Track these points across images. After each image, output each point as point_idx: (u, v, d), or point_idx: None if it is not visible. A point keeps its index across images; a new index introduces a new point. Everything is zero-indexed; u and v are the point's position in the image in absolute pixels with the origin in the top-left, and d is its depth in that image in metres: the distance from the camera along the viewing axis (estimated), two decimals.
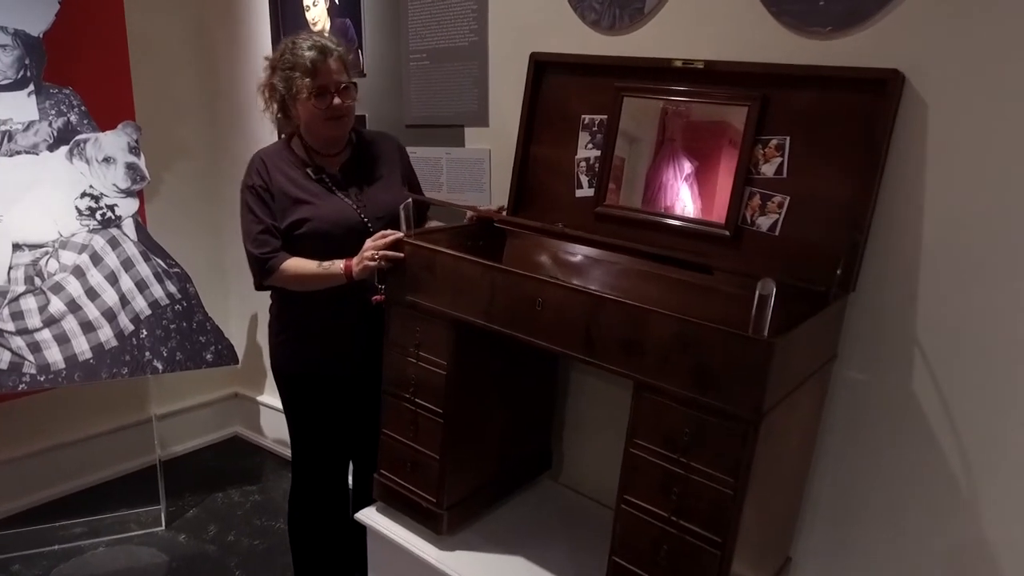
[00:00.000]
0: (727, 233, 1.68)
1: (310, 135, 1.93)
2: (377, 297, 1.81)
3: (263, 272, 1.85)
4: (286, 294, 1.94)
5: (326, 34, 2.65)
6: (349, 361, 1.98)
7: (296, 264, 1.84)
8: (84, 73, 2.51)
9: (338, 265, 1.78)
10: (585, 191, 1.96)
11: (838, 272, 1.45)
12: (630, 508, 1.41)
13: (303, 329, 1.96)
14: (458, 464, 1.79)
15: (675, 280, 1.70)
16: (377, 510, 1.94)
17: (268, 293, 2.00)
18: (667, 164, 1.80)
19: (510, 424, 1.94)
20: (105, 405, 2.92)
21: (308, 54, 1.83)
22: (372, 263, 1.72)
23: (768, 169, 1.63)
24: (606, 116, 1.89)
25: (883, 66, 1.46)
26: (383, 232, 1.75)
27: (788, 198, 1.61)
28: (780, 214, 1.62)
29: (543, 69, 2.01)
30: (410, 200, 1.74)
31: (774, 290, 1.18)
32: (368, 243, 1.76)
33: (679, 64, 1.74)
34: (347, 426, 2.07)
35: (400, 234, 1.73)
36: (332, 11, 2.62)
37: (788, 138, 1.60)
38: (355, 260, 1.77)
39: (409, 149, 2.45)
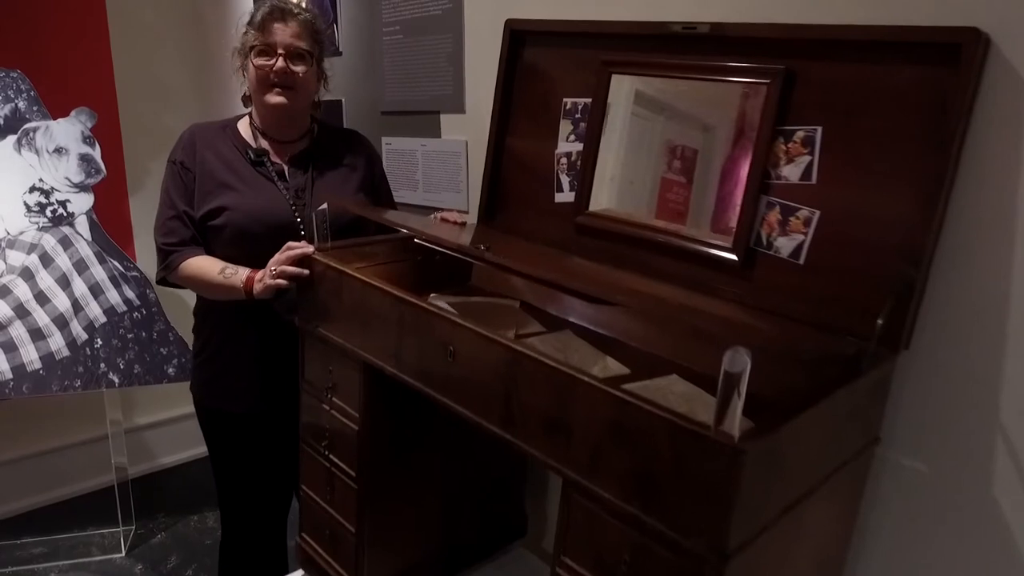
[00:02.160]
0: (735, 258, 1.24)
1: (256, 111, 1.62)
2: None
3: (164, 266, 1.56)
4: (206, 302, 1.63)
5: (304, 6, 2.33)
6: (280, 395, 1.64)
7: (198, 265, 1.52)
8: (39, 54, 2.27)
9: (241, 276, 1.46)
10: (565, 195, 1.55)
11: (879, 322, 0.99)
12: None
13: (224, 351, 1.63)
14: (382, 537, 1.43)
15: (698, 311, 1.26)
16: None
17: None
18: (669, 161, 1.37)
19: (462, 486, 1.56)
20: (77, 414, 2.71)
21: (264, 9, 1.56)
22: (272, 282, 1.38)
23: (792, 172, 1.18)
24: (590, 99, 1.47)
25: (955, 23, 0.99)
26: (290, 244, 1.40)
27: (817, 213, 1.15)
28: (806, 235, 1.17)
29: (521, 41, 1.61)
30: (325, 206, 1.38)
31: (747, 368, 0.75)
32: (275, 256, 1.41)
33: (678, 29, 1.31)
34: (282, 470, 1.73)
35: (308, 248, 1.38)
36: None
37: (819, 129, 1.15)
38: (258, 275, 1.43)
39: (385, 140, 2.11)
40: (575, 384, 0.90)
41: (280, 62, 1.52)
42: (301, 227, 1.57)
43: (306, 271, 1.37)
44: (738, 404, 0.77)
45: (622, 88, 1.42)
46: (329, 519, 1.46)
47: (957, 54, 0.98)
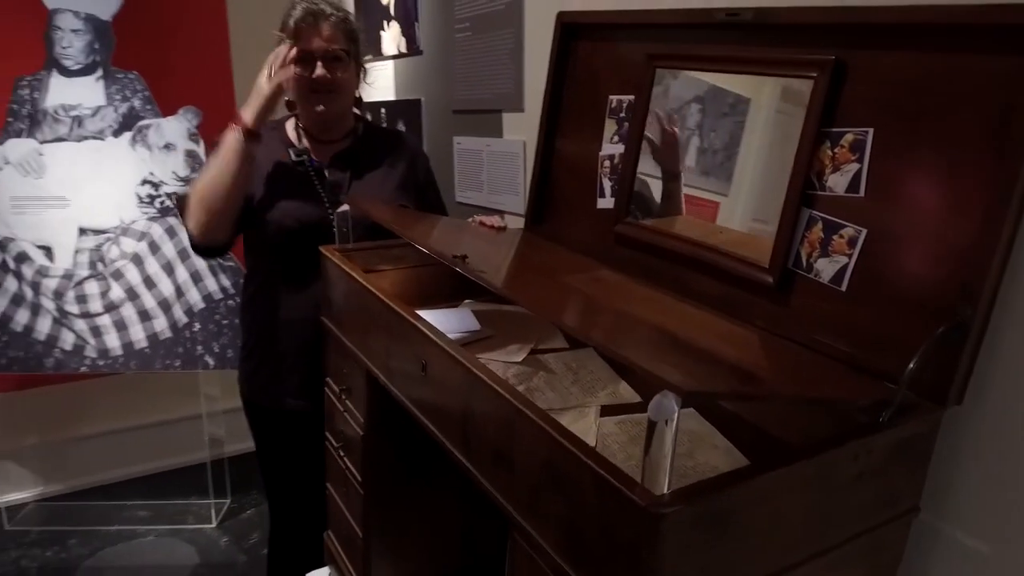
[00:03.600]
0: (770, 280, 1.07)
1: (301, 113, 1.64)
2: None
3: (180, 209, 1.62)
4: (253, 303, 1.67)
5: (391, 8, 2.35)
6: (320, 392, 1.65)
7: (198, 182, 1.56)
8: (158, 56, 2.46)
9: (228, 135, 1.49)
10: (607, 200, 1.43)
11: (911, 367, 0.81)
12: None
13: (267, 348, 1.67)
14: (392, 545, 1.40)
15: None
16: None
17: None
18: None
19: (484, 502, 1.49)
20: (183, 391, 2.93)
21: (296, 14, 1.55)
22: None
23: (838, 182, 1.01)
24: (633, 97, 1.35)
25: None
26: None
27: (864, 232, 0.97)
28: (850, 257, 0.99)
29: (573, 35, 1.51)
30: (346, 207, 1.36)
31: (676, 415, 0.63)
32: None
33: (722, 17, 1.15)
34: (323, 466, 1.75)
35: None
36: None
37: (870, 132, 0.97)
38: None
39: (456, 139, 2.07)
40: (517, 415, 0.80)
41: (319, 69, 1.52)
42: (334, 224, 1.57)
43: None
44: (666, 459, 0.65)
45: (667, 83, 1.29)
46: (344, 521, 1.45)
47: None
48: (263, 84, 1.50)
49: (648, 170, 1.32)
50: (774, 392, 0.83)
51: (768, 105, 1.15)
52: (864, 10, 0.97)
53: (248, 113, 1.48)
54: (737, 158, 1.14)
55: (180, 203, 1.57)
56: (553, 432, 0.74)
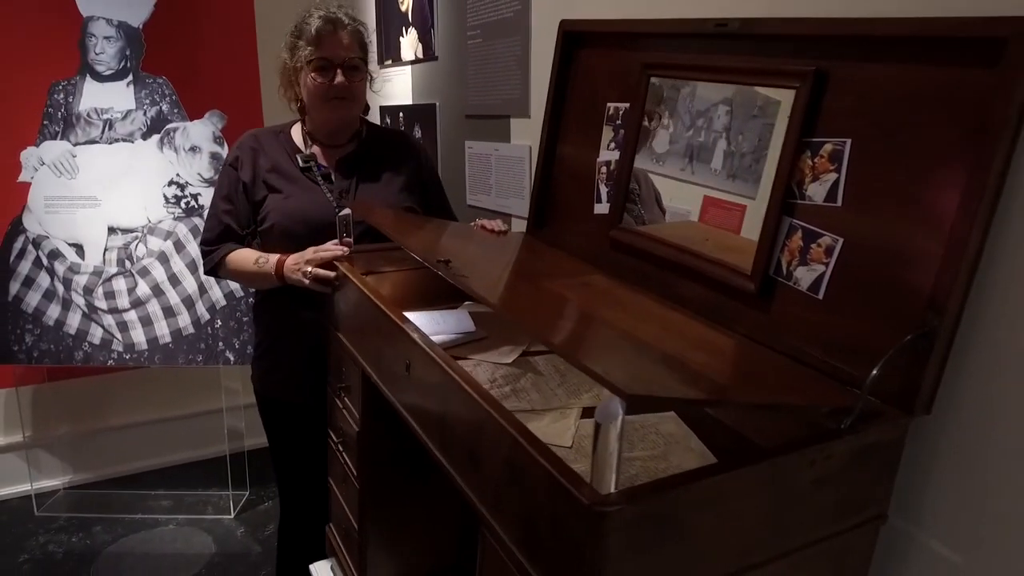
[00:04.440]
0: (752, 287, 1.09)
1: (311, 119, 1.69)
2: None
3: (205, 263, 1.70)
4: (265, 304, 1.73)
5: (409, 14, 2.40)
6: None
7: (238, 258, 1.63)
8: (186, 62, 2.55)
9: (272, 263, 1.53)
10: (603, 206, 1.46)
11: (873, 374, 0.83)
12: None
13: (278, 345, 1.73)
14: (388, 541, 1.44)
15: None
16: (331, 568, 1.66)
17: None
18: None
19: None
20: (207, 386, 3.01)
21: (315, 22, 1.60)
22: (295, 276, 1.44)
23: (817, 191, 1.02)
24: (629, 104, 1.37)
25: (992, 13, 0.79)
26: (323, 246, 1.45)
27: (841, 241, 0.98)
28: (827, 266, 1.00)
29: (575, 43, 1.53)
30: (348, 211, 1.40)
31: (620, 417, 0.65)
32: (309, 251, 1.47)
33: (711, 27, 1.17)
34: None
35: (338, 251, 1.41)
36: None
37: (848, 142, 0.98)
38: (291, 260, 1.49)
39: (467, 144, 2.11)
40: (484, 415, 0.83)
41: (340, 77, 1.57)
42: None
43: (332, 273, 1.40)
44: (612, 459, 0.67)
45: (660, 91, 1.30)
46: (344, 514, 1.49)
47: (998, 53, 0.79)
48: (307, 267, 1.47)
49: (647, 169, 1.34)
50: (725, 398, 0.85)
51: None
52: (845, 22, 0.98)
53: (290, 271, 1.50)
54: (765, 161, 1.09)
55: (209, 249, 1.66)
56: (513, 431, 0.77)
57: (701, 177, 1.21)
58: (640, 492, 0.68)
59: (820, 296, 1.01)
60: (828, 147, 1.00)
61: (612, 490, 0.68)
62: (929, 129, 0.88)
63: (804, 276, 1.03)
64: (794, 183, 1.05)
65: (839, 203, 0.99)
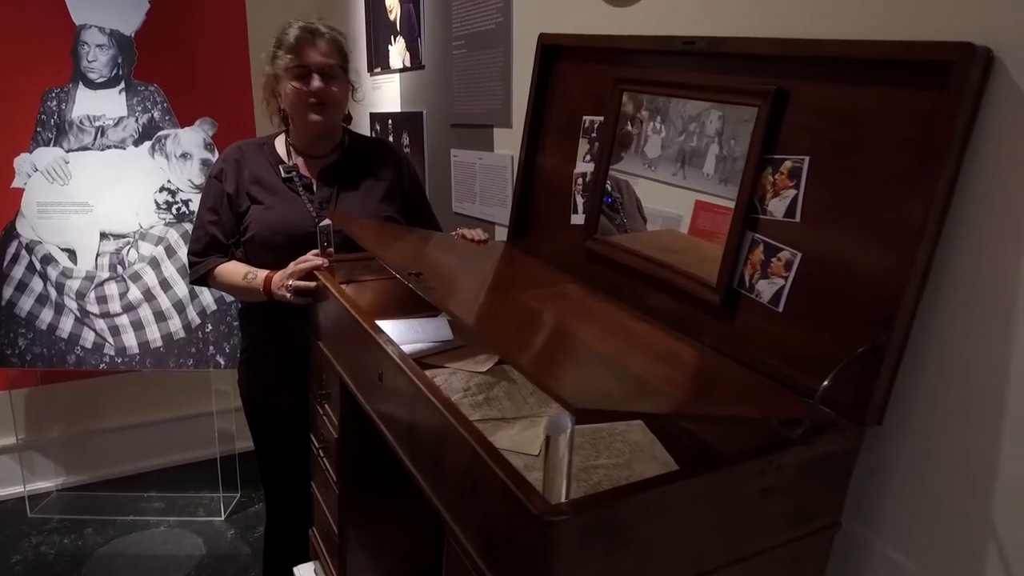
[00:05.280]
0: (716, 299, 1.12)
1: (294, 129, 1.72)
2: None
3: (192, 273, 1.73)
4: (251, 310, 1.76)
5: (397, 23, 2.43)
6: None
7: (226, 272, 1.66)
8: (177, 70, 2.58)
9: (260, 279, 1.56)
10: (579, 216, 1.48)
11: (824, 385, 0.85)
12: None
13: (264, 351, 1.76)
14: (368, 546, 1.46)
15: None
16: (314, 570, 1.69)
17: None
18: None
19: None
20: (199, 389, 3.04)
21: (294, 32, 1.64)
22: (280, 292, 1.47)
23: (778, 207, 1.05)
24: (603, 118, 1.40)
25: (947, 38, 0.82)
26: (303, 257, 1.47)
27: (799, 255, 1.01)
28: (787, 280, 1.03)
29: (554, 56, 1.56)
30: (328, 222, 1.43)
31: (569, 430, 0.68)
32: (290, 266, 1.50)
33: (679, 45, 1.20)
34: None
35: (316, 262, 1.44)
36: None
37: (807, 160, 1.00)
38: (277, 277, 1.52)
39: (453, 152, 2.14)
40: (447, 428, 0.86)
41: (317, 82, 1.60)
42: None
43: (313, 284, 1.43)
44: (562, 469, 0.70)
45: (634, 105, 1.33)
46: (325, 519, 1.52)
47: (944, 74, 0.81)
48: (288, 280, 1.49)
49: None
50: (675, 411, 0.88)
51: None
52: (804, 43, 1.01)
53: (277, 288, 1.52)
54: None
55: (196, 260, 1.69)
56: (472, 441, 0.80)
57: (693, 182, 1.22)
58: (589, 502, 0.71)
59: (780, 309, 1.03)
60: (788, 164, 1.03)
61: (563, 499, 0.70)
62: (881, 148, 0.90)
63: (765, 289, 1.06)
64: (756, 198, 1.08)
65: (798, 219, 1.02)
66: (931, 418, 0.91)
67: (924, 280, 0.87)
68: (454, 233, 1.64)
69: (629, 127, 1.35)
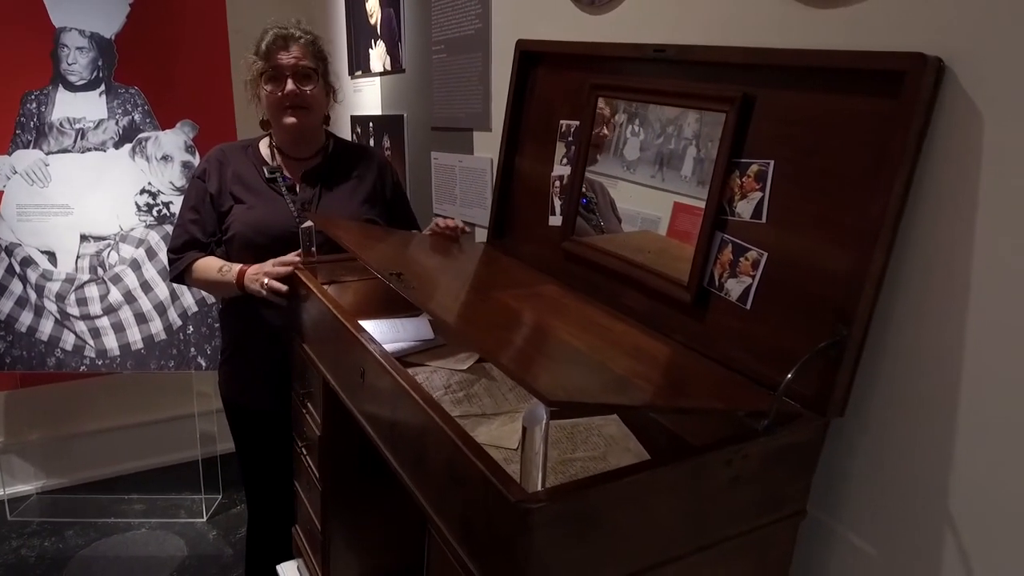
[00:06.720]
0: (688, 297, 1.16)
1: (275, 131, 1.75)
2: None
3: (171, 270, 1.74)
4: (231, 311, 1.78)
5: (378, 27, 2.46)
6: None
7: (202, 267, 1.68)
8: (158, 72, 2.59)
9: (233, 272, 1.59)
10: (556, 218, 1.52)
11: (787, 378, 0.90)
12: None
13: (243, 353, 1.78)
14: (352, 543, 1.49)
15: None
16: (298, 568, 1.71)
17: None
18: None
19: None
20: (180, 391, 3.04)
21: (268, 36, 1.67)
22: (254, 287, 1.49)
23: (745, 209, 1.09)
24: (579, 123, 1.44)
25: (900, 48, 0.87)
26: (283, 257, 1.50)
27: (765, 255, 1.05)
28: (754, 278, 1.07)
29: (531, 62, 1.60)
30: (310, 223, 1.46)
31: (544, 421, 0.72)
32: (269, 263, 1.53)
33: (650, 52, 1.24)
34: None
35: (290, 269, 1.47)
36: (383, 1, 2.40)
37: (772, 163, 1.05)
38: (251, 270, 1.55)
39: (433, 155, 2.17)
40: (428, 422, 0.89)
41: (289, 84, 1.63)
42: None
43: (285, 287, 1.46)
44: (538, 459, 0.73)
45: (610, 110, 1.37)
46: (308, 516, 1.54)
47: (897, 83, 0.86)
48: (264, 278, 1.52)
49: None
50: (645, 404, 0.92)
51: None
52: (769, 52, 1.06)
53: (250, 281, 1.55)
54: None
55: (175, 257, 1.71)
56: (452, 435, 0.83)
57: (671, 184, 1.24)
58: (563, 490, 0.75)
59: (748, 306, 1.08)
60: (754, 167, 1.07)
61: (539, 488, 0.74)
62: (841, 153, 0.95)
63: (734, 287, 1.10)
64: (725, 200, 1.12)
65: (764, 220, 1.06)
66: (890, 410, 0.96)
67: (881, 278, 0.92)
68: (433, 224, 1.67)
69: (605, 130, 1.39)
